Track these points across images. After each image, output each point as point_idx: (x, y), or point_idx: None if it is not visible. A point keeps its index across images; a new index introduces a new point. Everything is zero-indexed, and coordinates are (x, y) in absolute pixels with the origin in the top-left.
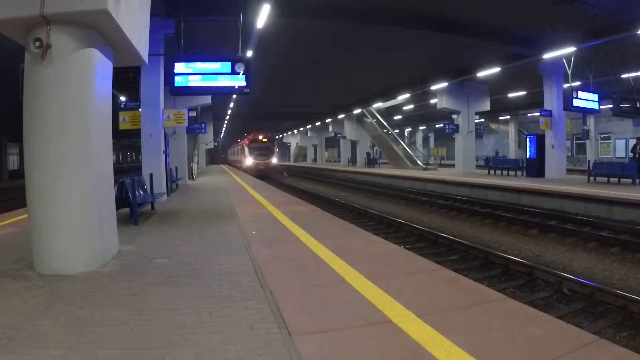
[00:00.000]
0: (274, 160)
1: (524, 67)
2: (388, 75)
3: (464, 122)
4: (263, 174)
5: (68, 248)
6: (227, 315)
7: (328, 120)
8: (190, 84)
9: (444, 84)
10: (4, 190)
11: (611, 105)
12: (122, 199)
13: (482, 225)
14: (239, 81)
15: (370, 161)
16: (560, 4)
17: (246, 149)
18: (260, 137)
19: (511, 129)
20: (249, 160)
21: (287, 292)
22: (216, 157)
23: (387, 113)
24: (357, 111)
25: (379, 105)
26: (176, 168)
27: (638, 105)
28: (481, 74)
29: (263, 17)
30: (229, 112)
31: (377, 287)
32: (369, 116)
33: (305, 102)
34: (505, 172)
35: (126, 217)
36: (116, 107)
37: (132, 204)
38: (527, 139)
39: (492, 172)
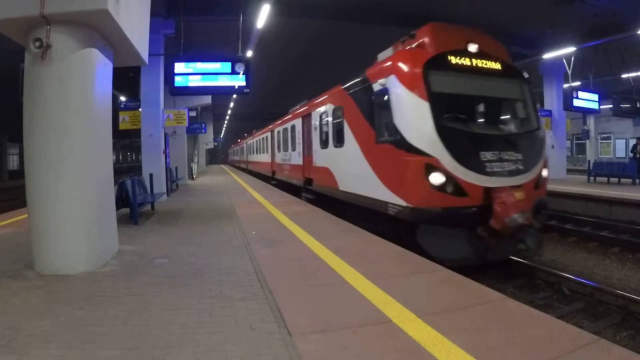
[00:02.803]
0: (545, 172)
1: (524, 67)
2: None
3: None
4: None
5: (68, 248)
6: (227, 315)
7: None
8: (190, 84)
9: None
10: (4, 190)
11: (611, 105)
12: (122, 199)
13: None
14: (239, 81)
15: None
16: (560, 4)
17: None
18: (475, 45)
19: None
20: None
21: (287, 292)
22: (216, 157)
23: None
24: None
25: None
26: (176, 168)
27: (638, 105)
28: None
29: (263, 17)
30: (229, 112)
31: (377, 287)
32: None
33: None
34: None
35: (126, 217)
36: (116, 107)
37: (132, 204)
38: None
39: None
